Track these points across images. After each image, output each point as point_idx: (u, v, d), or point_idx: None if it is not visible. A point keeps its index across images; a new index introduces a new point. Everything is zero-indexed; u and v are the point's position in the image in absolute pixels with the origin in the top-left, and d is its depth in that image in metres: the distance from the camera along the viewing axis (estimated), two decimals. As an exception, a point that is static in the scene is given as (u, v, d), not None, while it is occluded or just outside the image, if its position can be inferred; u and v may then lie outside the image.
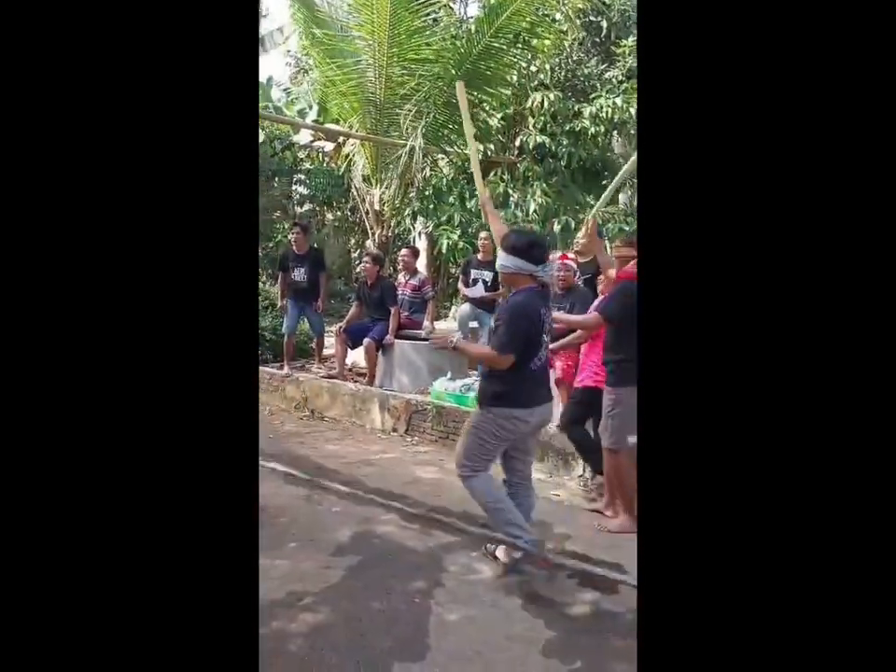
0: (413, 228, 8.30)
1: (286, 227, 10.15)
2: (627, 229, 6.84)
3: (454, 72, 6.14)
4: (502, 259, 2.69)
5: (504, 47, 6.29)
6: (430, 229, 7.53)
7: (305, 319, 6.12)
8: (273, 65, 41.08)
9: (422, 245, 7.64)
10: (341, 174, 8.99)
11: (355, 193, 6.76)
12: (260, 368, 6.13)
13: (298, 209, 11.14)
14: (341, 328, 5.67)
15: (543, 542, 2.83)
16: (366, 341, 5.45)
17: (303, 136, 10.36)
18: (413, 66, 6.30)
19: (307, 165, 10.84)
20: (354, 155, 6.81)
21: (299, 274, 5.92)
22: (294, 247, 5.98)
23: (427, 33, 6.29)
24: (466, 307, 5.66)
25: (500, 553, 2.83)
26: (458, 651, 2.20)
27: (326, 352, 6.39)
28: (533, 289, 2.64)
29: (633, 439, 3.07)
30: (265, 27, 9.21)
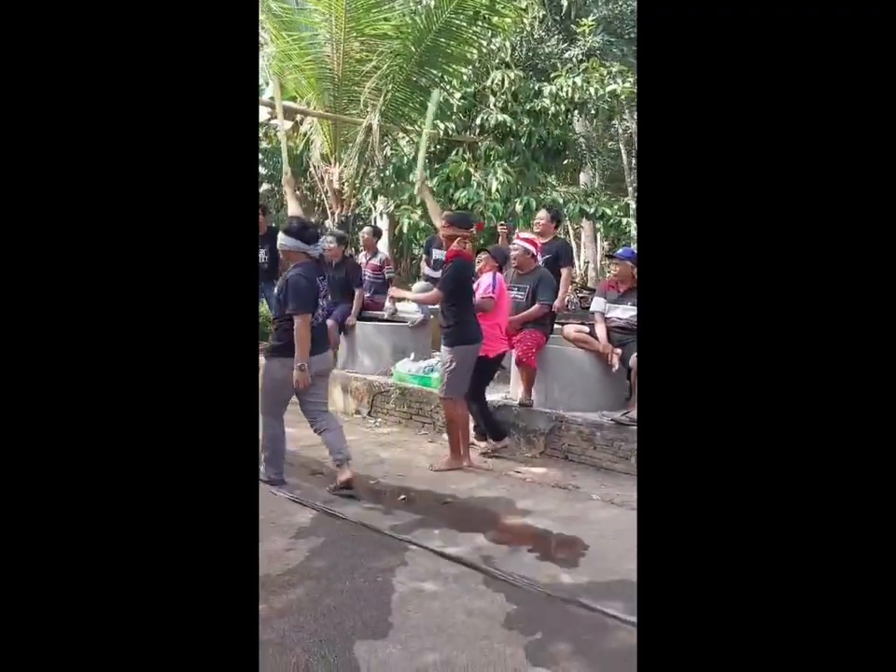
0: (374, 207, 8.20)
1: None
2: (589, 210, 6.88)
3: (413, 48, 6.04)
4: (281, 240, 3.41)
5: (464, 24, 6.20)
6: (391, 208, 7.44)
7: (263, 299, 6.00)
8: (227, 41, 40.18)
9: (383, 224, 7.57)
10: (299, 152, 8.79)
11: (313, 172, 6.61)
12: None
13: (256, 189, 10.92)
14: (301, 309, 5.58)
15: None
16: (328, 322, 5.38)
17: (260, 114, 10.10)
18: (371, 42, 6.17)
19: (264, 144, 10.59)
20: (312, 133, 6.65)
21: (260, 255, 5.79)
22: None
23: (386, 7, 6.16)
24: (421, 285, 5.63)
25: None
26: (421, 627, 2.21)
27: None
28: (307, 263, 3.37)
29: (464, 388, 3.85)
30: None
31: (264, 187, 10.98)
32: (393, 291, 5.12)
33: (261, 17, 6.83)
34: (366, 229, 6.21)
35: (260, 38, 10.69)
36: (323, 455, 3.76)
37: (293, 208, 4.31)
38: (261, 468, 3.43)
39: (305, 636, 2.19)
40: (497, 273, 4.08)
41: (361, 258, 6.05)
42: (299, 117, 8.29)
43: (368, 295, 5.68)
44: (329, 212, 6.47)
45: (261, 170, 10.74)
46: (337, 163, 6.31)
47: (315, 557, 2.76)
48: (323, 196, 6.78)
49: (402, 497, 3.46)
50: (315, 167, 6.44)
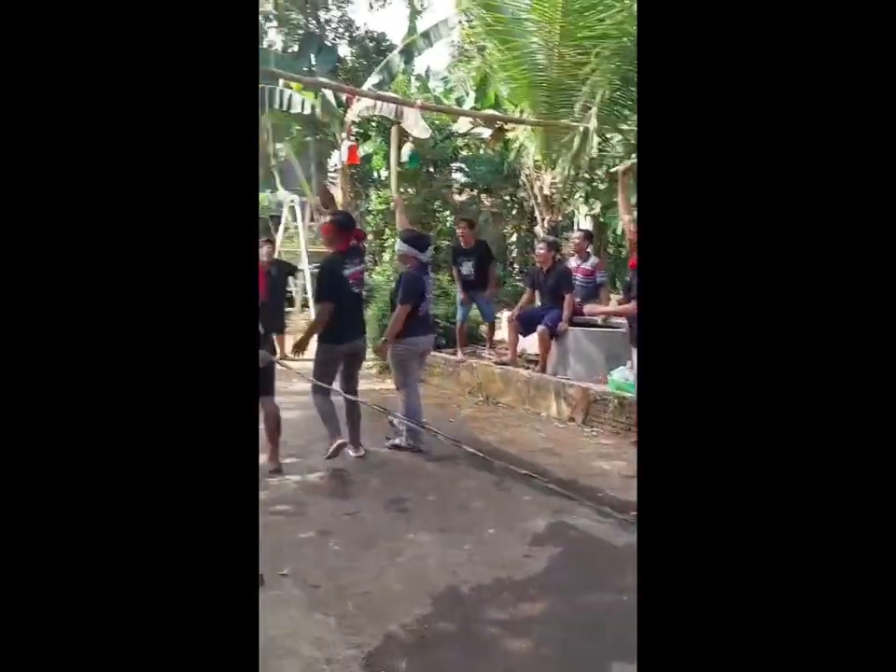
0: (578, 211, 8.07)
1: (446, 217, 10.35)
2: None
3: (631, 46, 5.82)
4: (399, 246, 4.24)
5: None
6: (598, 211, 7.27)
7: (476, 307, 6.19)
8: (434, 57, 42.20)
9: (587, 227, 7.40)
10: (503, 159, 8.96)
11: (524, 179, 6.67)
12: (435, 353, 6.31)
13: (457, 197, 11.31)
14: (513, 314, 5.66)
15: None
16: (540, 328, 5.39)
17: (462, 125, 10.48)
18: (585, 44, 6.07)
19: (464, 153, 10.96)
20: (522, 140, 6.72)
21: (467, 268, 6.00)
22: (462, 242, 6.07)
23: (601, 7, 6.02)
24: None
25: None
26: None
27: (496, 338, 6.44)
28: (417, 266, 4.13)
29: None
30: (429, 21, 9.40)
31: (465, 195, 11.35)
32: (588, 309, 5.09)
33: (472, 31, 7.06)
34: (577, 233, 6.13)
35: (467, 53, 11.13)
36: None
37: (403, 222, 4.79)
38: (398, 439, 4.23)
39: (555, 650, 2.18)
40: None
41: (572, 262, 5.97)
42: (498, 123, 8.48)
43: (577, 300, 5.59)
44: (538, 218, 6.49)
45: (462, 178, 11.12)
46: (549, 169, 6.30)
47: (554, 568, 2.75)
48: (530, 202, 6.83)
49: (633, 512, 3.32)
50: (525, 174, 6.48)
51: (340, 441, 3.93)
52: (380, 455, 4.21)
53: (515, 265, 10.82)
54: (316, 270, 4.46)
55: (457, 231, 6.06)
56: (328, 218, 4.10)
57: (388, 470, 3.94)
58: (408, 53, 9.12)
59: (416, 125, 4.46)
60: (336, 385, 4.03)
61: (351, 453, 4.10)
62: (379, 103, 6.38)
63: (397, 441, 4.28)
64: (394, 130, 5.09)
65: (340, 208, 10.39)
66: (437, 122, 10.40)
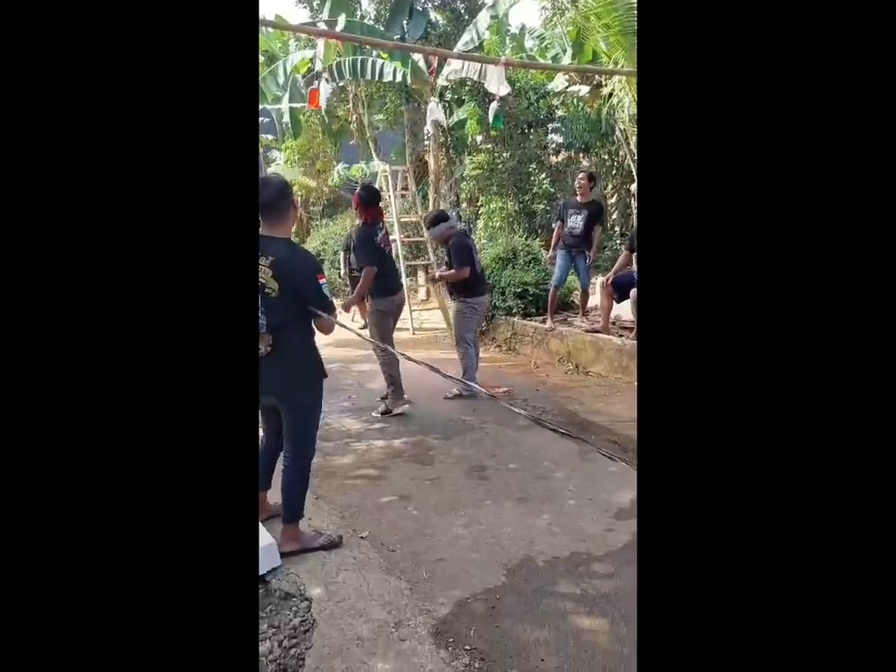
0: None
1: (542, 180, 10.04)
2: None
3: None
4: (431, 233, 4.85)
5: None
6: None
7: (574, 271, 5.96)
8: (530, 15, 40.76)
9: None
10: (599, 117, 8.51)
11: (619, 135, 6.29)
12: (524, 321, 6.19)
13: (553, 159, 10.93)
14: (608, 279, 5.41)
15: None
16: (633, 293, 5.12)
17: (558, 83, 10.05)
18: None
19: (560, 113, 10.53)
20: (619, 93, 6.32)
21: (575, 221, 5.76)
22: (578, 195, 5.84)
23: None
24: None
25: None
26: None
27: (588, 305, 6.21)
28: (456, 233, 4.68)
29: None
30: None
31: (561, 155, 10.95)
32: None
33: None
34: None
35: (560, 5, 10.62)
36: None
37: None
38: (394, 406, 4.41)
39: (633, 626, 2.08)
40: None
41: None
42: (598, 77, 8.02)
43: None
44: (634, 174, 6.11)
45: (558, 138, 10.73)
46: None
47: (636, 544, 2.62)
48: (629, 158, 6.44)
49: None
50: (620, 129, 6.11)
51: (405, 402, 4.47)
52: (464, 423, 4.21)
53: (616, 227, 10.34)
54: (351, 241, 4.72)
55: (576, 183, 5.84)
56: (356, 193, 4.46)
57: (471, 438, 3.92)
58: (498, 12, 8.83)
59: (500, 84, 4.28)
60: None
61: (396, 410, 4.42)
62: (466, 65, 6.21)
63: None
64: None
65: (432, 176, 10.45)
66: (532, 82, 10.04)
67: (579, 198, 5.83)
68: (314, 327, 2.52)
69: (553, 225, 6.16)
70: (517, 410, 2.82)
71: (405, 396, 4.47)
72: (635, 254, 5.28)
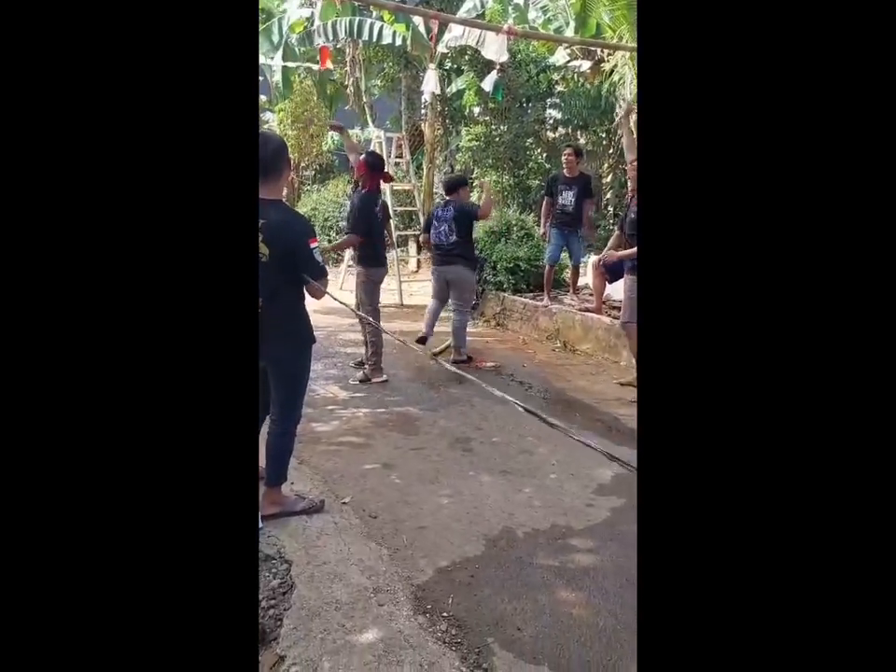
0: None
1: (538, 155, 9.92)
2: None
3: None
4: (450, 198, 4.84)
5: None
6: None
7: (566, 247, 5.92)
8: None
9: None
10: (599, 94, 8.40)
11: (619, 112, 6.21)
12: (515, 297, 6.17)
13: (550, 135, 10.80)
14: (600, 259, 5.39)
15: None
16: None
17: (559, 57, 9.88)
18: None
19: (560, 88, 10.37)
20: (622, 69, 6.22)
21: (566, 198, 5.69)
22: (565, 170, 5.76)
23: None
24: None
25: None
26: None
27: (579, 283, 6.19)
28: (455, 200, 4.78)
29: None
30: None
31: (559, 131, 10.82)
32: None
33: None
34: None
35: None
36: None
37: (487, 206, 4.97)
38: (373, 376, 4.42)
39: (609, 602, 2.11)
40: None
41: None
42: (599, 52, 7.88)
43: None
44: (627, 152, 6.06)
45: (557, 114, 10.59)
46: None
47: (616, 519, 2.65)
48: (624, 136, 6.37)
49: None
50: (620, 105, 6.03)
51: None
52: (450, 395, 4.21)
53: (610, 207, 10.27)
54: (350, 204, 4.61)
55: (563, 157, 5.75)
56: (362, 158, 4.37)
57: (457, 410, 3.93)
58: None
59: (500, 52, 4.17)
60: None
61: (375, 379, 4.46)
62: (466, 32, 6.08)
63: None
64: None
65: (428, 146, 10.28)
66: (534, 54, 9.87)
67: (566, 172, 5.75)
68: (304, 292, 2.48)
69: (542, 199, 6.10)
70: (497, 392, 2.81)
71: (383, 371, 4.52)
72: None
